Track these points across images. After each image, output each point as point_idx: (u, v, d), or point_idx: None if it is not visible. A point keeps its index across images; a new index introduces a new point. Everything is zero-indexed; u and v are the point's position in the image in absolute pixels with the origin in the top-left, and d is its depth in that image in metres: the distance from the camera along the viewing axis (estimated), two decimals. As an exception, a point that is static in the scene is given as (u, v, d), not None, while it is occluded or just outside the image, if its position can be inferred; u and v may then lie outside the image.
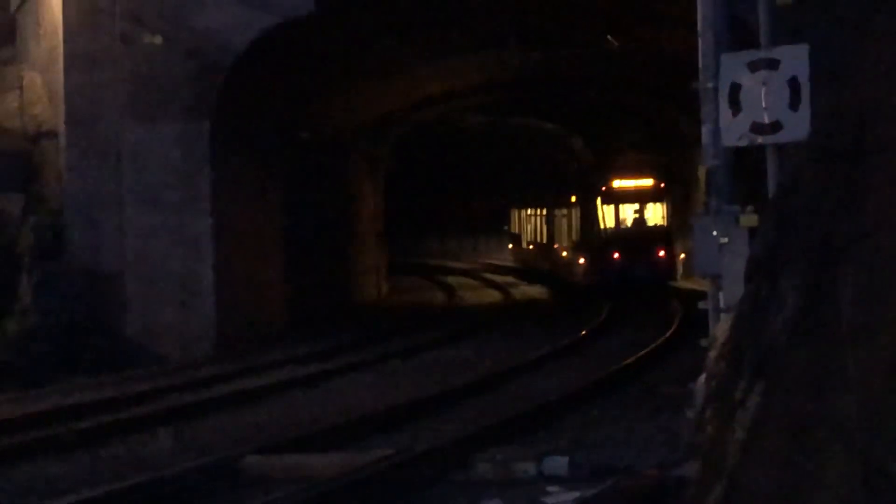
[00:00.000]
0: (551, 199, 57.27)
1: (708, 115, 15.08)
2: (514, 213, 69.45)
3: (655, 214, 46.99)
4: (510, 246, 71.41)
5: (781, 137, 13.53)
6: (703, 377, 12.89)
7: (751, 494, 8.61)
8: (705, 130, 15.25)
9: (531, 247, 64.24)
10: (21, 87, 33.94)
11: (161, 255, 30.28)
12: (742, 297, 10.39)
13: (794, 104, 13.45)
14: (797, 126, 13.23)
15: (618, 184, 46.50)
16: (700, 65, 15.57)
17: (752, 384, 9.08)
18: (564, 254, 54.00)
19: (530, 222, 64.70)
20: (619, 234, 46.22)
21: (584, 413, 19.06)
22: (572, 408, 19.50)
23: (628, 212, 46.89)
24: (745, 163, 15.47)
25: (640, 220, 46.81)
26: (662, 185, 46.94)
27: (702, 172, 15.53)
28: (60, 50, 31.28)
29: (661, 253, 45.57)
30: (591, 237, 47.43)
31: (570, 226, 52.96)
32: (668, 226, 46.80)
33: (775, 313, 9.23)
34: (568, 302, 46.87)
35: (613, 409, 19.47)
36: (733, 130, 13.96)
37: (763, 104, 13.60)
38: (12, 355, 27.50)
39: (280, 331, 32.63)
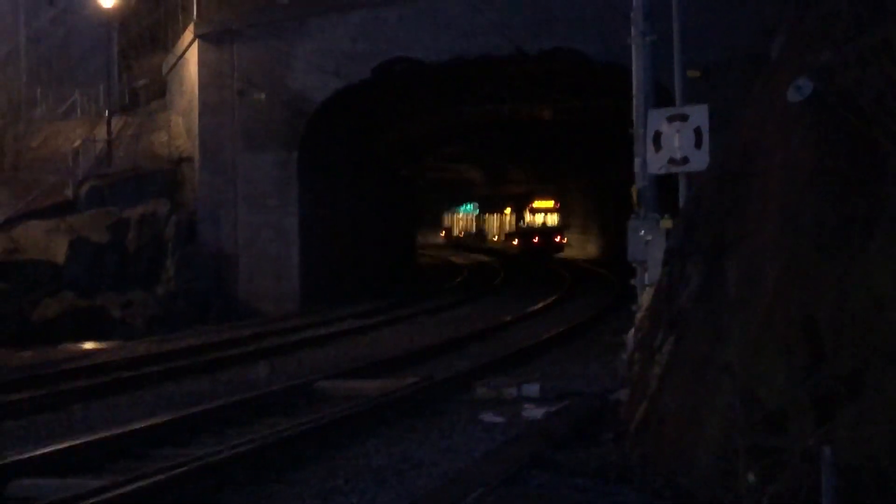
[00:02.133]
0: (482, 208, 69.53)
1: (639, 151, 15.02)
2: (448, 215, 79.05)
3: (553, 220, 57.95)
4: (442, 234, 79.11)
5: (689, 168, 13.48)
6: (632, 331, 12.84)
7: (664, 412, 8.58)
8: (637, 162, 15.16)
9: (461, 234, 74.54)
10: (168, 127, 34.02)
11: (263, 243, 30.35)
12: (660, 276, 10.37)
13: (698, 145, 13.40)
14: (700, 160, 13.22)
15: (536, 204, 58.11)
16: (634, 116, 15.50)
17: (667, 336, 9.06)
18: (496, 238, 65.34)
19: (460, 221, 75.64)
20: (536, 229, 57.36)
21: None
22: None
23: (541, 218, 57.94)
24: (665, 185, 15.39)
25: (545, 222, 57.81)
26: (558, 205, 58.52)
27: (634, 190, 15.37)
28: (196, 101, 31.30)
29: (558, 238, 57.14)
30: (523, 229, 57.86)
31: (500, 224, 64.77)
32: (560, 225, 57.98)
33: (683, 288, 9.20)
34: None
35: (572, 352, 19.41)
36: (656, 163, 13.90)
37: (677, 144, 13.55)
38: (161, 310, 27.60)
39: (349, 293, 32.54)
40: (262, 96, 29.94)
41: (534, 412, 12.68)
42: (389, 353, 19.22)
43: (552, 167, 59.07)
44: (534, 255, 54.40)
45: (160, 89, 38.08)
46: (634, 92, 15.55)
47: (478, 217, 70.69)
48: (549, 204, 58.04)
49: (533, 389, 13.89)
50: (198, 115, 31.18)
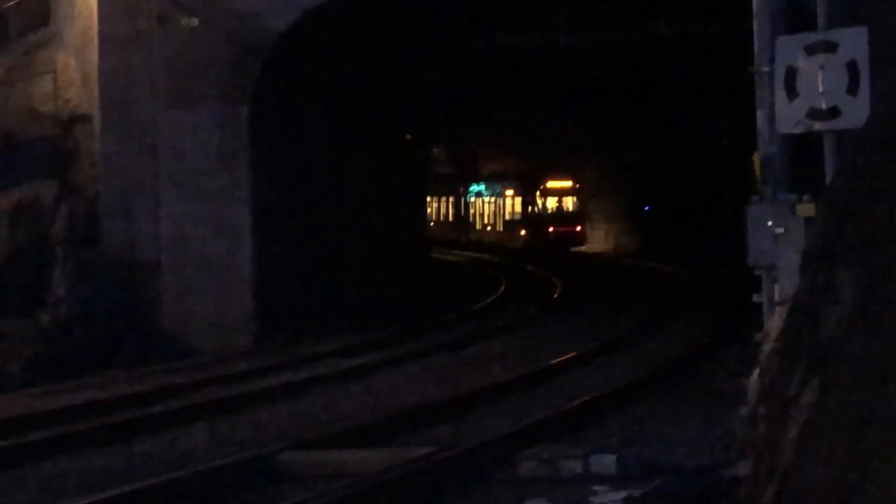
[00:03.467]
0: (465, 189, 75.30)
1: (762, 100, 15.01)
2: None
3: (571, 204, 64.61)
4: None
5: (839, 124, 13.43)
6: (756, 373, 12.83)
7: (805, 495, 8.57)
8: (760, 116, 15.18)
9: (431, 223, 78.04)
10: (55, 71, 34.11)
11: (198, 245, 30.46)
12: (797, 289, 10.35)
13: (852, 89, 13.34)
14: (856, 112, 13.13)
15: (551, 184, 64.71)
16: (755, 48, 15.49)
17: (807, 380, 9.04)
18: (489, 228, 72.69)
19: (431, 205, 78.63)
20: (551, 215, 63.94)
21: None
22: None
23: (554, 202, 64.55)
24: (801, 149, 15.38)
25: (561, 207, 64.46)
26: (577, 185, 64.73)
27: (756, 159, 15.36)
28: (95, 32, 31.42)
29: (578, 228, 63.92)
30: (532, 217, 64.14)
31: (496, 209, 70.35)
32: (580, 211, 64.10)
33: (832, 306, 9.18)
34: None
35: (663, 406, 19.44)
36: (789, 117, 13.86)
37: (820, 89, 13.50)
38: (46, 347, 27.66)
39: (328, 317, 32.67)
40: (195, 23, 30.05)
41: (609, 498, 12.70)
42: (389, 409, 19.26)
43: (556, 136, 63.19)
44: (547, 248, 59.42)
45: (41, 13, 38.26)
46: (755, 10, 15.56)
47: (458, 202, 76.55)
48: (567, 184, 64.70)
49: (607, 462, 13.91)
50: (98, 53, 31.31)
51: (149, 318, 30.21)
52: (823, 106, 13.50)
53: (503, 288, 46.08)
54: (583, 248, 62.76)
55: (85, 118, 32.10)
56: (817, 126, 13.69)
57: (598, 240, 65.97)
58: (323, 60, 32.27)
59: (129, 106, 30.89)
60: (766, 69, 14.87)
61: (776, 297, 13.97)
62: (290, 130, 31.97)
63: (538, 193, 62.79)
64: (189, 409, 20.34)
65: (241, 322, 30.17)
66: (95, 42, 31.40)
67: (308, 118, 32.84)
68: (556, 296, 43.02)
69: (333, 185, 34.39)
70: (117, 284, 30.06)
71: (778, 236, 14.11)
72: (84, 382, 25.34)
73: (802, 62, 13.65)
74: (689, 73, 41.21)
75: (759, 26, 15.49)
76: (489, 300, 41.81)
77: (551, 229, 61.50)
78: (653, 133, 53.55)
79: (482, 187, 74.17)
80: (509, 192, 68.52)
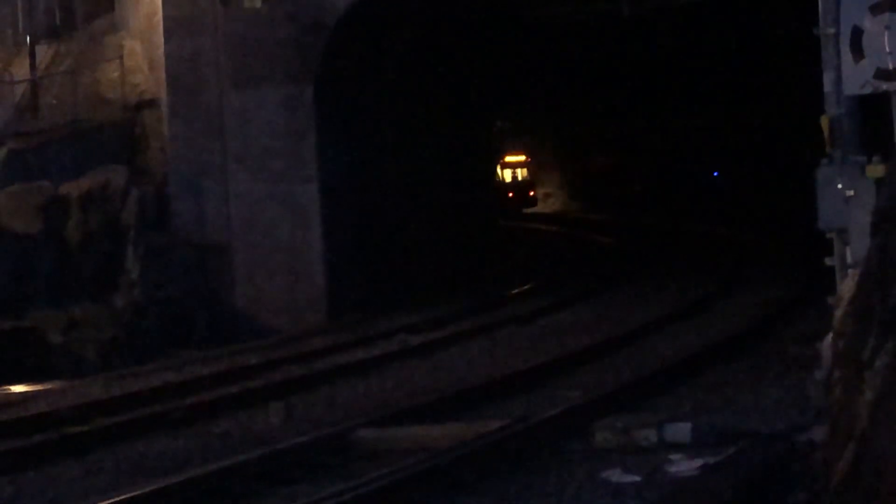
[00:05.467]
0: None
1: (829, 61, 14.86)
2: None
3: (524, 174, 76.41)
4: None
5: (910, 85, 13.32)
6: (829, 337, 12.74)
7: (883, 459, 8.50)
8: (827, 78, 15.02)
9: None
10: (121, 57, 34.23)
11: (268, 225, 30.54)
12: (869, 251, 10.26)
13: (922, 47, 13.23)
14: (926, 70, 13.04)
15: (509, 158, 74.18)
16: (820, 9, 15.35)
17: (882, 343, 8.95)
18: None
19: None
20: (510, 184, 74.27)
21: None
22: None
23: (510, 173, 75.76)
24: (870, 110, 15.23)
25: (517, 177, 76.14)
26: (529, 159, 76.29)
27: (825, 121, 15.23)
28: (159, 16, 31.53)
29: (531, 193, 75.23)
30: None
31: None
32: (531, 180, 76.01)
33: (905, 269, 9.09)
34: None
35: (739, 371, 19.35)
36: (856, 78, 13.73)
37: (887, 49, 13.36)
38: (121, 331, 27.81)
39: (399, 294, 32.70)
40: (258, 3, 30.09)
41: (684, 466, 12.65)
42: (462, 383, 19.25)
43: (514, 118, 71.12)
44: (508, 209, 68.00)
45: (107, 3, 38.41)
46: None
47: None
48: (521, 159, 76.31)
49: (682, 431, 13.85)
50: (163, 37, 31.40)
51: (221, 299, 30.35)
52: (891, 66, 13.37)
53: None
54: (536, 209, 73.86)
55: (152, 103, 32.24)
56: (885, 87, 13.55)
57: (550, 203, 78.04)
58: (386, 37, 32.25)
59: (195, 89, 31.01)
60: (831, 30, 14.73)
61: (849, 260, 13.86)
62: (356, 109, 31.98)
63: (499, 166, 69.58)
64: (265, 388, 20.39)
65: (313, 300, 30.25)
66: (160, 26, 31.52)
67: (373, 96, 32.84)
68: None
69: (399, 161, 34.37)
70: (189, 266, 30.21)
71: (849, 198, 13.99)
72: (160, 365, 25.49)
73: (868, 22, 13.52)
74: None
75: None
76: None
77: (510, 194, 71.02)
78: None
79: None
80: None
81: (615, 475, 12.57)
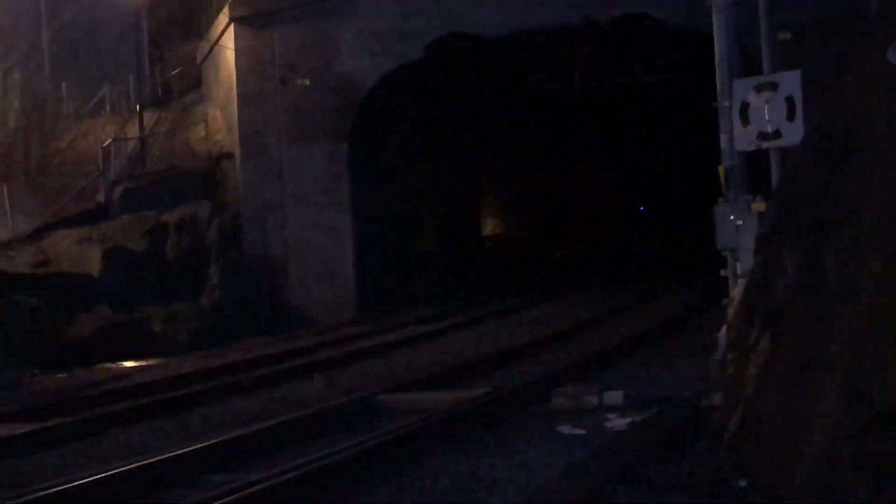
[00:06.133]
0: None
1: (725, 127, 14.88)
2: None
3: None
4: None
5: (781, 142, 13.30)
6: (724, 328, 12.75)
7: (762, 418, 8.50)
8: (723, 139, 15.04)
9: None
10: (206, 122, 34.31)
11: (314, 245, 30.54)
12: (753, 266, 10.26)
13: (790, 116, 13.23)
14: (793, 133, 13.02)
15: None
16: (718, 88, 15.37)
17: (762, 333, 8.96)
18: None
19: None
20: None
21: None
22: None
23: None
24: (753, 162, 15.25)
25: None
26: None
27: (721, 170, 15.24)
28: (234, 91, 31.58)
29: None
30: None
31: None
32: None
33: (779, 278, 9.09)
34: None
35: (658, 353, 19.33)
36: (744, 138, 13.75)
37: (766, 117, 13.38)
38: (206, 323, 27.86)
39: (410, 295, 32.65)
40: (307, 83, 30.10)
41: (617, 423, 12.64)
42: (455, 361, 19.25)
43: None
44: None
45: (195, 80, 38.44)
46: (717, 60, 15.41)
47: None
48: None
49: (616, 397, 13.83)
50: (237, 106, 31.45)
51: (279, 299, 30.33)
52: (769, 130, 13.40)
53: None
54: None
55: (229, 155, 32.30)
56: (765, 145, 13.58)
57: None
58: (399, 106, 32.27)
59: (260, 145, 31.03)
60: (726, 104, 14.76)
61: (738, 272, 13.87)
62: (378, 159, 32.00)
63: None
64: (310, 364, 20.42)
65: (346, 300, 30.24)
66: (235, 99, 31.56)
67: (390, 149, 32.87)
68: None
69: (410, 198, 34.36)
70: (255, 275, 30.21)
71: (738, 227, 14.02)
72: (233, 347, 25.53)
73: (753, 98, 13.55)
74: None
75: (720, 73, 15.38)
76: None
77: None
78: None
79: None
80: None
81: (567, 429, 12.57)
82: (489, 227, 57.55)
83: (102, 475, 10.69)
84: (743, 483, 8.36)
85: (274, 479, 9.98)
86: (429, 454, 11.58)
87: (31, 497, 9.86)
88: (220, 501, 9.21)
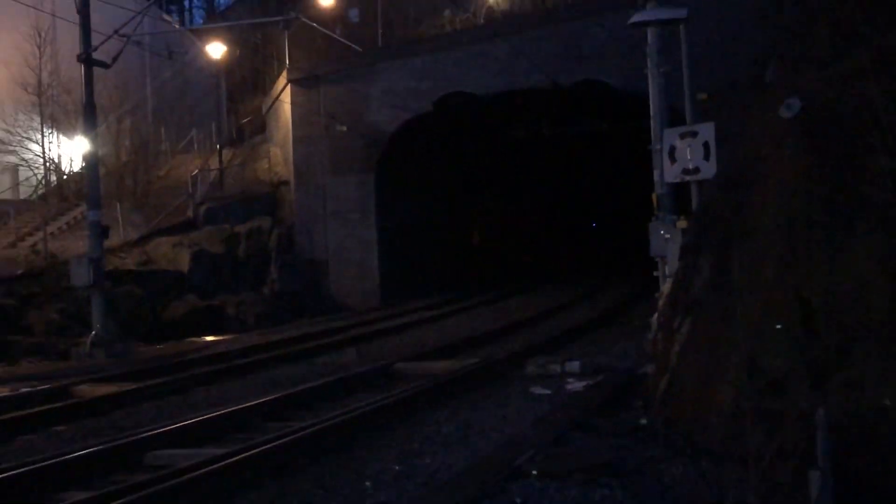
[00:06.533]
0: None
1: (657, 164, 14.91)
2: None
3: None
4: None
5: (699, 176, 13.31)
6: (656, 315, 12.74)
7: (683, 382, 8.51)
8: (656, 173, 15.06)
9: None
10: (269, 157, 34.33)
11: (348, 250, 30.55)
12: (678, 268, 10.28)
13: (706, 157, 13.23)
14: (708, 169, 13.04)
15: None
16: (652, 135, 15.40)
17: (684, 319, 8.98)
18: None
19: None
20: None
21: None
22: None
23: None
24: (680, 191, 15.25)
25: None
26: None
27: (654, 196, 15.24)
28: (290, 135, 31.62)
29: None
30: None
31: None
32: None
33: (697, 278, 9.11)
34: None
35: (606, 334, 19.30)
36: (672, 173, 13.76)
37: (689, 157, 13.39)
38: (267, 308, 27.86)
39: (420, 288, 32.64)
40: (344, 129, 30.15)
41: (575, 385, 12.64)
42: (454, 338, 19.24)
43: None
44: None
45: (261, 126, 38.49)
46: (652, 114, 15.45)
47: None
48: None
49: (574, 366, 13.83)
50: (292, 146, 31.49)
51: (321, 291, 30.35)
52: (690, 167, 13.41)
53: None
54: None
55: (285, 182, 32.33)
56: (687, 178, 13.59)
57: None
58: (413, 146, 32.29)
59: (309, 175, 31.06)
60: (658, 147, 14.78)
61: (666, 273, 13.87)
62: (396, 186, 32.00)
63: None
64: (344, 339, 20.41)
65: (372, 292, 30.26)
66: (290, 141, 31.60)
67: (405, 177, 32.87)
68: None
69: (420, 215, 34.37)
70: (304, 272, 30.22)
71: (667, 239, 14.03)
72: (286, 327, 25.49)
73: (678, 143, 13.56)
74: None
75: (653, 123, 15.41)
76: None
77: None
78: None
79: None
80: None
81: (537, 389, 12.57)
82: (474, 237, 55.29)
83: (190, 422, 10.73)
84: (667, 430, 8.37)
85: (316, 426, 10.02)
86: (433, 408, 11.58)
87: (146, 434, 9.92)
88: (276, 443, 9.22)
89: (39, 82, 33.76)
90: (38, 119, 34.26)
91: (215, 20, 54.03)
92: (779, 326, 7.30)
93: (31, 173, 34.59)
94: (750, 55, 15.10)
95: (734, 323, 7.85)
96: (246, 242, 29.87)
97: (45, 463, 8.72)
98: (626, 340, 17.23)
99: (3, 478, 8.15)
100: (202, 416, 11.09)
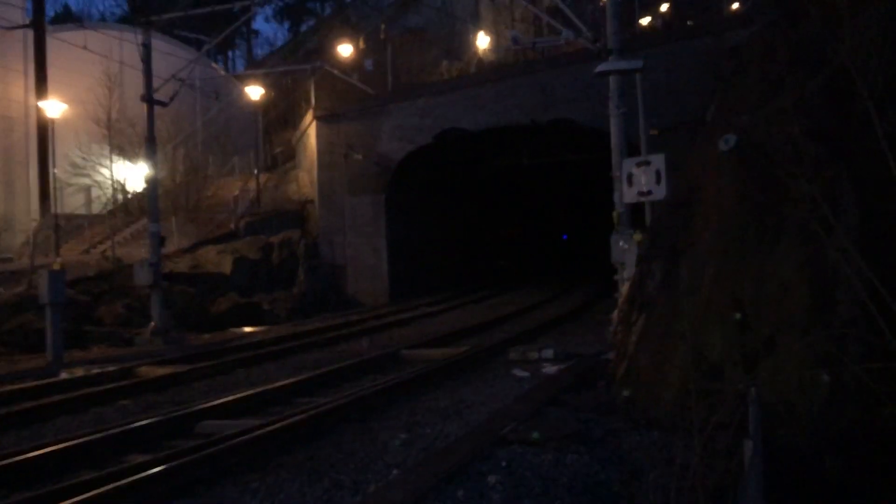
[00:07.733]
0: None
1: (617, 188, 14.93)
2: None
3: None
4: None
5: (652, 198, 13.31)
6: (616, 311, 12.75)
7: (639, 367, 8.52)
8: (616, 195, 15.07)
9: None
10: (297, 180, 34.29)
11: (363, 257, 30.49)
12: (634, 273, 10.30)
13: (658, 182, 13.23)
14: (660, 192, 13.04)
15: None
16: (613, 164, 15.43)
17: (639, 315, 8.99)
18: None
19: None
20: None
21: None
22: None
23: None
24: (635, 210, 15.26)
25: None
26: None
27: (615, 214, 15.25)
28: (315, 162, 31.57)
29: None
30: None
31: None
32: None
33: (650, 281, 9.13)
34: None
35: (575, 326, 19.26)
36: (629, 195, 13.76)
37: (643, 182, 13.41)
38: (296, 304, 27.77)
39: (423, 289, 32.57)
40: (360, 157, 30.14)
41: (550, 369, 12.63)
42: (450, 329, 19.23)
43: None
44: None
45: (291, 154, 38.47)
46: (612, 147, 15.49)
47: None
48: None
49: (549, 353, 13.80)
50: (317, 171, 31.46)
51: (341, 290, 30.27)
52: (645, 190, 13.42)
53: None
54: None
55: (311, 201, 32.28)
56: (642, 199, 13.61)
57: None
58: (416, 172, 32.27)
59: (331, 195, 31.01)
60: (618, 173, 14.80)
61: (624, 277, 13.89)
62: (403, 204, 31.97)
63: None
64: (360, 330, 20.33)
65: (383, 291, 30.18)
66: (316, 166, 31.56)
67: (410, 197, 32.85)
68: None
69: (422, 228, 34.32)
70: (327, 275, 30.15)
71: (625, 249, 14.04)
72: (312, 320, 25.36)
73: (635, 170, 13.57)
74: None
75: (614, 154, 15.44)
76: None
77: None
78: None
79: None
80: None
81: (518, 372, 12.56)
82: (468, 247, 53.64)
83: (233, 397, 10.72)
84: (626, 406, 8.38)
85: (337, 401, 10.01)
86: (433, 387, 11.58)
87: (197, 407, 9.90)
88: (304, 415, 9.22)
89: (109, 118, 34.37)
90: (107, 148, 34.87)
91: (254, 67, 54.25)
92: (717, 321, 7.34)
93: (101, 192, 34.88)
94: (694, 99, 15.19)
95: (681, 318, 7.88)
96: (278, 250, 29.82)
97: (114, 431, 8.73)
98: (591, 332, 17.22)
99: (81, 442, 8.19)
100: (243, 392, 11.08)
